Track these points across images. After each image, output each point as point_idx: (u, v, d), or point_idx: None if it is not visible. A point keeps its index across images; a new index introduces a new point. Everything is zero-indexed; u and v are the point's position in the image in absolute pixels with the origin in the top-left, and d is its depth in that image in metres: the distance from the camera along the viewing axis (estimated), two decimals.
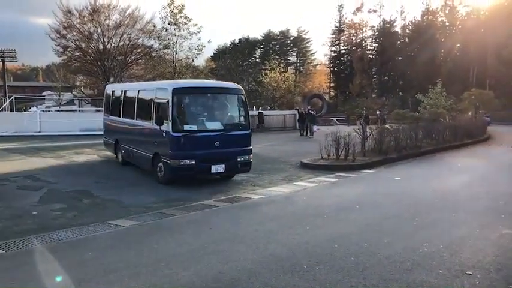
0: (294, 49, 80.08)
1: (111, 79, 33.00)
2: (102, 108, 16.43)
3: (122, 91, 14.08)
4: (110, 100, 14.70)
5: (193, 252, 5.71)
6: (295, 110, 31.39)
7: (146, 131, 11.41)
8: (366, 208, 8.28)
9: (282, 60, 68.21)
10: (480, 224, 6.98)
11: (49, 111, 35.06)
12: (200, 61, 40.94)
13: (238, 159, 10.60)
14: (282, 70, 53.75)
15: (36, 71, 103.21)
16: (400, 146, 15.45)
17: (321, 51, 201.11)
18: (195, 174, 10.34)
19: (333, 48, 74.05)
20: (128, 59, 34.66)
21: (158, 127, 10.27)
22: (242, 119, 10.99)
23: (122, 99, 13.57)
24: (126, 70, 34.82)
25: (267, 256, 5.55)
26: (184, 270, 5.05)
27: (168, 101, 10.09)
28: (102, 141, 15.39)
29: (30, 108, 41.08)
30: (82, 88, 41.11)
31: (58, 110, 35.95)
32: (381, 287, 4.53)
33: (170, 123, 9.91)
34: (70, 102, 44.25)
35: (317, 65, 79.56)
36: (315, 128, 24.94)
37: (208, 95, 10.99)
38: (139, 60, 36.02)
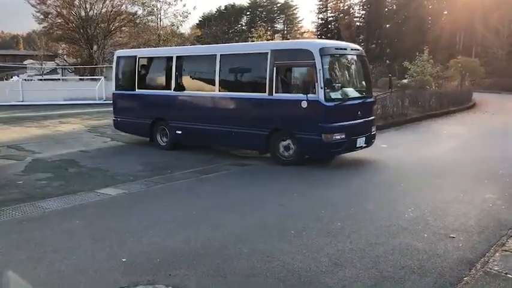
0: (281, 16, 79.06)
1: (95, 47, 32.33)
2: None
3: (167, 58, 11.18)
4: (135, 71, 11.46)
5: (181, 220, 5.73)
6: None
7: (255, 104, 9.38)
8: (352, 175, 8.35)
9: (269, 28, 67.10)
10: (464, 189, 7.10)
11: (31, 80, 34.32)
12: (185, 28, 40.31)
13: (372, 131, 9.58)
14: (269, 38, 52.99)
15: (16, 39, 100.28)
16: (386, 114, 15.52)
17: (308, 18, 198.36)
18: (342, 151, 9.05)
19: (320, 16, 73.34)
20: (111, 26, 33.86)
21: (284, 97, 8.83)
22: (368, 84, 9.84)
23: (173, 68, 10.62)
24: (109, 38, 34.05)
25: (255, 223, 5.60)
26: (171, 237, 5.07)
27: (313, 65, 8.39)
28: (113, 122, 12.35)
29: (11, 77, 40.16)
30: (65, 57, 40.18)
31: (41, 79, 35.17)
32: (367, 251, 4.61)
33: (322, 91, 8.28)
34: (53, 71, 43.29)
35: (304, 32, 78.72)
36: None
37: (348, 56, 9.61)
38: (123, 28, 35.22)
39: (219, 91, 9.87)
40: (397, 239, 4.94)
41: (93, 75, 29.86)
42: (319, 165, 9.01)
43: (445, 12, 58.69)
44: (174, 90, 10.61)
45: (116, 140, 12.46)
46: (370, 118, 9.52)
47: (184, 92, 10.59)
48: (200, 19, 67.31)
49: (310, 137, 8.59)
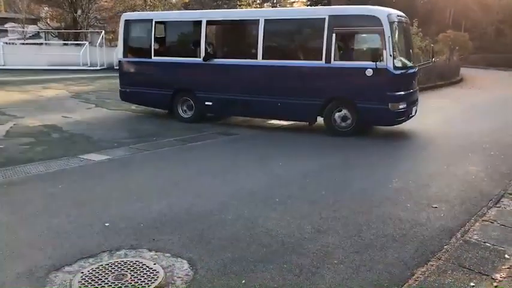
0: None
1: (79, 11, 31.38)
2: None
3: (194, 23, 10.17)
4: (150, 36, 10.38)
5: (166, 186, 5.70)
6: None
7: (308, 73, 8.94)
8: (338, 146, 8.37)
9: None
10: (448, 161, 7.17)
11: (13, 43, 33.34)
12: None
13: (417, 101, 9.52)
14: (258, 6, 52.22)
15: None
16: None
17: None
18: (404, 120, 8.92)
19: None
20: None
21: (349, 65, 8.57)
22: (412, 53, 9.71)
23: (202, 34, 9.71)
24: (94, 2, 33.05)
25: (240, 190, 5.59)
26: (155, 203, 5.04)
27: (381, 32, 8.16)
28: (120, 93, 11.21)
29: None
30: (48, 20, 38.97)
31: (23, 43, 34.20)
32: (350, 219, 4.64)
33: (390, 59, 8.07)
34: (36, 35, 42.08)
35: (294, 2, 77.43)
36: None
37: (404, 25, 9.34)
38: None
39: (263, 59, 9.20)
40: (380, 209, 4.98)
41: (77, 41, 29.14)
42: (302, 133, 9.00)
43: None
44: (204, 58, 9.73)
45: (100, 106, 12.28)
46: (417, 87, 9.60)
47: (218, 60, 9.82)
48: None
49: (375, 107, 8.39)
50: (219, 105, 9.85)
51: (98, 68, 24.75)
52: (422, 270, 3.62)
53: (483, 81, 23.37)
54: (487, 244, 4.09)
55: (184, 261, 3.69)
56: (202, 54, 9.75)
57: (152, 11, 29.86)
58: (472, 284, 3.40)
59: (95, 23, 32.05)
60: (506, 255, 3.87)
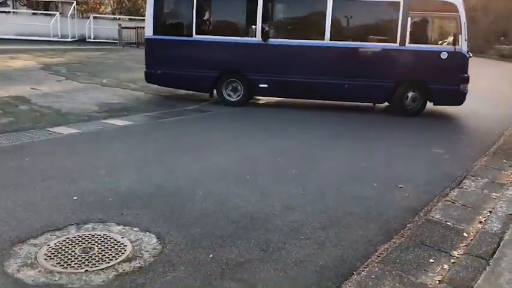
0: None
1: None
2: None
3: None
4: (191, 12, 9.44)
5: (136, 161, 5.65)
6: None
7: (380, 55, 9.15)
8: (312, 125, 8.44)
9: None
10: (414, 143, 7.36)
11: None
12: None
13: None
14: None
15: None
16: None
17: None
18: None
19: None
20: None
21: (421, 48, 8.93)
22: None
23: (259, 11, 9.22)
24: None
25: (211, 166, 5.60)
26: (125, 178, 5.01)
27: (457, 17, 8.69)
28: (147, 75, 10.01)
29: None
30: None
31: None
32: (318, 197, 4.74)
33: (465, 44, 8.76)
34: (3, 3, 40.37)
35: None
36: None
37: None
38: None
39: (331, 40, 9.10)
40: (348, 187, 5.09)
41: (48, 11, 28.14)
42: (273, 110, 9.04)
43: None
44: (263, 38, 9.27)
45: (70, 79, 11.97)
46: None
47: (279, 40, 9.40)
48: None
49: (448, 87, 8.90)
50: (276, 88, 9.55)
51: (69, 39, 24.05)
52: (385, 247, 3.74)
53: None
54: (447, 223, 4.26)
55: (153, 236, 3.70)
56: (259, 33, 9.31)
57: None
58: (431, 260, 3.55)
59: None
60: (464, 234, 4.04)
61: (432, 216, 4.40)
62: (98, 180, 4.89)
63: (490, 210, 4.59)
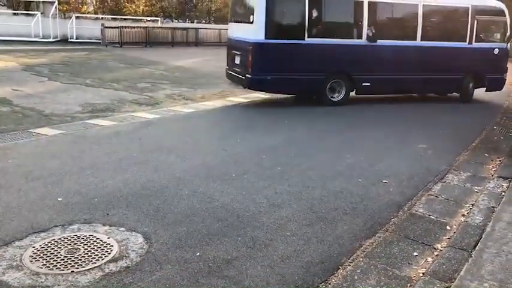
0: None
1: None
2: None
3: (355, 2, 9.64)
4: (303, 14, 9.24)
5: (121, 162, 5.62)
6: None
7: (454, 52, 10.77)
8: (294, 122, 8.48)
9: None
10: (399, 139, 7.45)
11: None
12: None
13: None
14: None
15: None
16: None
17: None
18: None
19: None
20: None
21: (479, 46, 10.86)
22: None
23: (365, 14, 9.67)
24: None
25: (196, 165, 5.60)
26: (110, 178, 4.98)
27: (505, 21, 11.08)
28: (253, 81, 9.41)
29: None
30: None
31: None
32: (304, 194, 4.78)
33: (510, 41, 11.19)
34: None
35: None
36: None
37: None
38: None
39: (421, 40, 10.34)
40: (333, 183, 5.14)
41: (29, 11, 27.71)
42: (262, 107, 9.05)
43: None
44: (369, 39, 9.79)
45: (53, 80, 11.83)
46: None
47: (382, 41, 9.94)
48: None
49: (497, 77, 11.24)
50: (375, 85, 10.19)
51: (51, 40, 23.71)
52: (370, 241, 3.80)
53: None
54: (431, 217, 4.33)
55: (139, 235, 3.70)
56: (364, 35, 9.82)
57: None
58: (415, 253, 3.61)
59: None
60: (447, 227, 4.12)
61: (416, 211, 4.48)
62: (83, 181, 4.85)
63: (472, 203, 4.69)
